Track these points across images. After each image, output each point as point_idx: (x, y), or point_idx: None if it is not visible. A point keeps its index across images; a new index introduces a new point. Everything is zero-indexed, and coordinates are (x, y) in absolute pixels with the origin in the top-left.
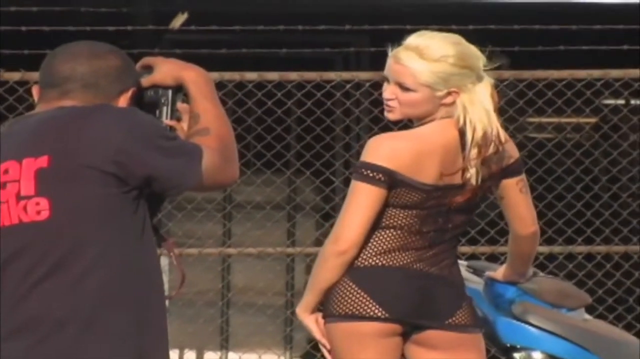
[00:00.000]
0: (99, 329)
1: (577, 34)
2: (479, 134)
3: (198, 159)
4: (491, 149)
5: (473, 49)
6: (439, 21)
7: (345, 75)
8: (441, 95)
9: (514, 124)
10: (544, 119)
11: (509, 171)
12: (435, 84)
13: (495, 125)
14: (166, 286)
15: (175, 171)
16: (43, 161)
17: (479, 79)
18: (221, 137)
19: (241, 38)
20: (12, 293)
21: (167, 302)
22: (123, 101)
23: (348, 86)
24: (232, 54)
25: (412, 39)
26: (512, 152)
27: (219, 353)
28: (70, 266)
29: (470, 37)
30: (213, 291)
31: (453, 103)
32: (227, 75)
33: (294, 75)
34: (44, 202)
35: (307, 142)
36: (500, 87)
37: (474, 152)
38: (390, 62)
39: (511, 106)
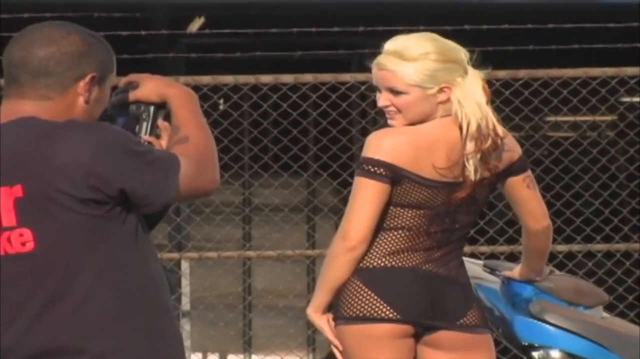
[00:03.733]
0: (113, 353)
1: (592, 32)
2: (473, 127)
3: (175, 171)
4: (489, 143)
5: (450, 43)
6: (454, 21)
7: (360, 76)
8: (433, 93)
9: (530, 123)
10: (560, 118)
11: (514, 169)
12: (423, 82)
13: (490, 118)
14: (187, 289)
15: (151, 188)
16: (18, 190)
17: (467, 72)
18: (199, 145)
19: (256, 41)
20: (8, 326)
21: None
22: (82, 88)
23: (363, 87)
24: (247, 57)
25: (389, 44)
26: (514, 148)
27: (241, 356)
28: (67, 295)
29: (484, 37)
30: (233, 294)
31: (448, 100)
32: (242, 79)
33: (309, 77)
34: (27, 234)
35: (324, 144)
36: (515, 87)
37: (470, 145)
38: (375, 70)
39: (527, 105)
